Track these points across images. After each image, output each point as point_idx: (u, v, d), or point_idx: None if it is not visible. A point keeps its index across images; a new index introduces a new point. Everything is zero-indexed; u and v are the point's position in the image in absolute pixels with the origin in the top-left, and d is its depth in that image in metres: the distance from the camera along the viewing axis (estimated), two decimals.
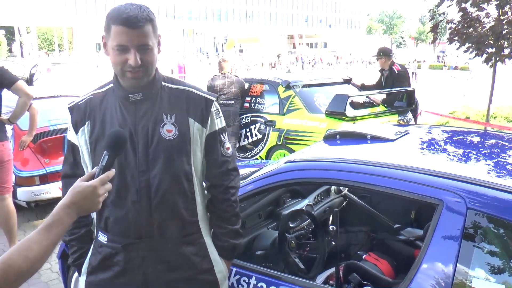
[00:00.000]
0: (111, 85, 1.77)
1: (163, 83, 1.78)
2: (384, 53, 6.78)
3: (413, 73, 28.73)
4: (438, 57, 54.89)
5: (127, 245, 1.73)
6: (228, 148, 1.88)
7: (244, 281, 2.11)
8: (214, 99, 1.83)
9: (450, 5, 6.65)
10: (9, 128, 4.52)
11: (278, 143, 6.10)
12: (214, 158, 1.84)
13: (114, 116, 1.72)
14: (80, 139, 1.77)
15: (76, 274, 2.85)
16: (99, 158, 1.64)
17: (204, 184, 1.91)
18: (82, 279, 1.86)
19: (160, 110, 1.72)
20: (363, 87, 6.99)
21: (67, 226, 1.31)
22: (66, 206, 1.32)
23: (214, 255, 1.85)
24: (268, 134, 6.23)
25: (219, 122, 1.85)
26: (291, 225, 2.68)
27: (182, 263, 1.77)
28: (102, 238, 1.78)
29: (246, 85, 6.81)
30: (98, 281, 1.79)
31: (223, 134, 1.87)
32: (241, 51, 52.00)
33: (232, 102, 6.50)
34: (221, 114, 1.88)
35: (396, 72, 6.60)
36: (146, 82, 1.69)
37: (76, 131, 1.78)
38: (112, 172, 1.43)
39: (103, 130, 1.72)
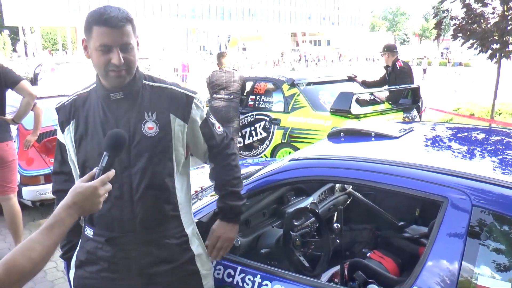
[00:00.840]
0: (94, 85, 1.82)
1: (144, 81, 1.83)
2: (388, 49, 6.80)
3: (423, 69, 29.27)
4: (442, 53, 54.67)
5: (111, 239, 1.78)
6: (219, 127, 1.99)
7: (249, 279, 2.11)
8: (195, 95, 1.88)
9: (453, 1, 6.62)
10: (13, 128, 4.53)
11: (283, 141, 6.09)
12: (213, 141, 1.95)
13: (96, 115, 1.78)
14: (66, 138, 1.84)
15: None
16: (83, 156, 1.76)
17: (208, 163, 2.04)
18: (71, 273, 1.93)
19: (141, 108, 1.77)
20: (364, 84, 6.98)
21: (68, 226, 1.33)
22: (68, 207, 1.33)
23: (195, 246, 1.91)
24: (273, 133, 6.21)
25: (204, 111, 1.92)
26: (295, 223, 2.67)
27: (166, 256, 1.82)
28: (89, 232, 1.84)
29: (250, 84, 6.80)
30: (86, 275, 1.85)
31: (210, 117, 1.96)
32: (244, 49, 51.99)
33: (232, 97, 6.46)
34: (203, 104, 1.95)
35: (398, 68, 6.62)
36: (128, 81, 1.74)
37: (63, 130, 1.86)
38: (112, 172, 1.44)
39: (87, 129, 1.79)
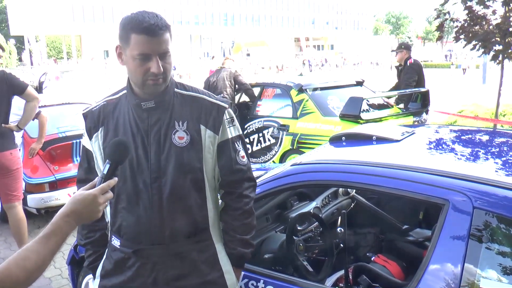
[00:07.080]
0: (125, 91, 1.78)
1: (176, 89, 1.78)
2: (406, 47, 6.97)
3: (463, 69, 31.80)
4: (446, 56, 54.60)
5: (138, 251, 1.74)
6: (243, 157, 1.86)
7: (252, 284, 2.11)
8: (227, 106, 1.81)
9: (455, 3, 6.62)
10: (18, 136, 4.57)
11: (291, 147, 6.03)
12: (228, 166, 1.82)
13: (127, 123, 1.73)
14: (94, 145, 1.79)
15: (85, 280, 2.87)
16: None
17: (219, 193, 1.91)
18: (96, 282, 1.88)
19: (172, 117, 1.72)
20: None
21: (66, 235, 1.31)
22: (66, 215, 1.32)
23: (224, 261, 1.84)
24: (282, 139, 6.15)
25: (233, 130, 1.84)
26: (299, 228, 2.67)
27: (192, 270, 1.77)
28: (115, 242, 1.79)
29: (257, 90, 6.77)
30: (111, 286, 1.81)
31: (238, 142, 1.85)
32: (248, 55, 52.03)
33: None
34: (235, 123, 1.86)
35: (408, 65, 6.74)
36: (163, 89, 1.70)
37: (90, 137, 1.80)
38: (113, 180, 1.42)
39: (117, 137, 1.71)
